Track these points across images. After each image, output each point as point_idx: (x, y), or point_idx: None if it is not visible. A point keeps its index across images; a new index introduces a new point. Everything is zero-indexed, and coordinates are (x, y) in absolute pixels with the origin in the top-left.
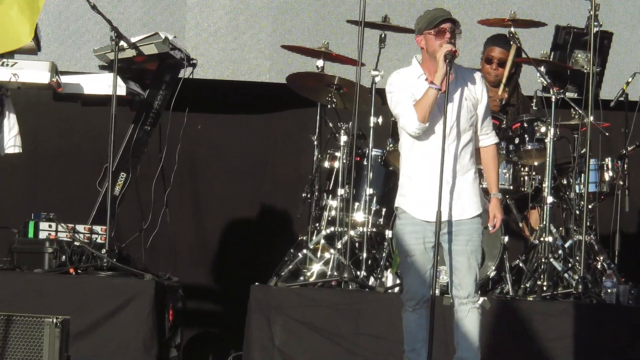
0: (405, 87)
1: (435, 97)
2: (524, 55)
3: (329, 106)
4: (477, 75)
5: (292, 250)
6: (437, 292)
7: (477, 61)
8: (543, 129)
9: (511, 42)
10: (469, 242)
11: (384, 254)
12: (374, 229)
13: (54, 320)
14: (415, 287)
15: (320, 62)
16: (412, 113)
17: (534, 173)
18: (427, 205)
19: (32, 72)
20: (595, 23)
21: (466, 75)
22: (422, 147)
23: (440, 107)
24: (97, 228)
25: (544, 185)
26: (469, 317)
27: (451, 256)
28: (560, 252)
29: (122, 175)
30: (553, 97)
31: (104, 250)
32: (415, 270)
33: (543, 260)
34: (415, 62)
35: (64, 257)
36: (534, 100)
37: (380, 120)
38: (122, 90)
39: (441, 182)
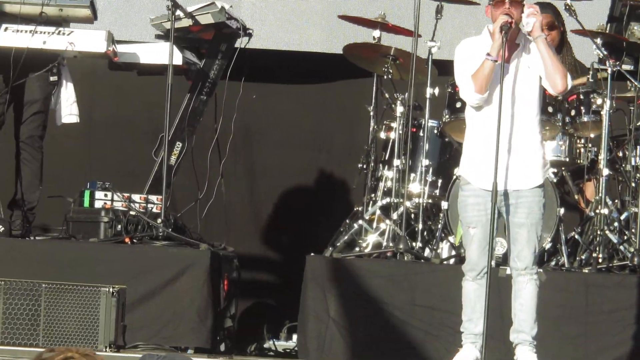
0: (471, 56)
1: (492, 68)
2: (579, 27)
3: (385, 77)
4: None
5: (347, 221)
6: (493, 263)
7: None
8: (599, 101)
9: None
10: (529, 215)
11: (439, 225)
12: (430, 200)
13: (110, 290)
14: (476, 258)
15: (376, 33)
16: (470, 84)
17: (589, 145)
18: (488, 174)
19: (89, 41)
20: None
21: (532, 45)
22: (484, 117)
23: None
24: (153, 198)
25: (599, 157)
26: (527, 289)
27: (511, 227)
28: (615, 224)
29: (178, 144)
30: (609, 69)
31: (159, 220)
32: (477, 242)
33: (599, 232)
34: (486, 31)
35: (119, 226)
36: (590, 72)
37: (436, 91)
38: (178, 59)
39: (497, 152)
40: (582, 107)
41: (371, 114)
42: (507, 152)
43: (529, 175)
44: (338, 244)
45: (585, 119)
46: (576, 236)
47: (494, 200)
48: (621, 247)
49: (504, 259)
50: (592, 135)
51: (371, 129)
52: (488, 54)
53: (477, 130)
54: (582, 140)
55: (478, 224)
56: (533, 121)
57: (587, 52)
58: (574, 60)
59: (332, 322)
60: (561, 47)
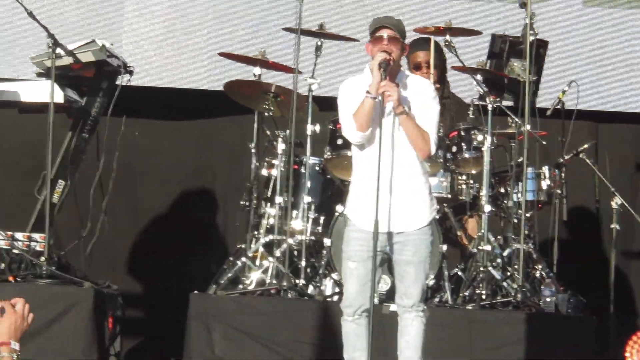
0: (353, 95)
1: (372, 105)
2: (459, 64)
3: (266, 114)
4: (425, 82)
5: (231, 259)
6: (376, 300)
7: None
8: (480, 137)
9: (431, 41)
10: (416, 253)
11: (322, 262)
12: (313, 237)
13: None
14: (354, 294)
15: (257, 70)
16: (351, 122)
17: (471, 182)
18: (370, 215)
19: None
20: (531, 31)
21: (415, 83)
22: (366, 156)
23: (383, 115)
24: (36, 236)
25: (481, 193)
26: (413, 325)
27: (397, 265)
28: (498, 260)
29: (61, 182)
30: (490, 105)
31: (42, 258)
32: (357, 277)
33: (481, 268)
34: (368, 69)
35: (2, 264)
36: (471, 109)
37: (317, 128)
38: (59, 97)
39: (378, 193)
40: (463, 144)
41: (253, 151)
42: (389, 193)
43: (414, 217)
44: (222, 282)
45: (466, 155)
46: (459, 273)
47: (375, 239)
48: (504, 284)
49: (388, 296)
50: (473, 172)
51: (253, 166)
52: (367, 92)
53: (360, 169)
54: (464, 177)
55: (359, 259)
56: (415, 161)
57: (468, 88)
58: (454, 98)
59: (218, 359)
60: (442, 84)
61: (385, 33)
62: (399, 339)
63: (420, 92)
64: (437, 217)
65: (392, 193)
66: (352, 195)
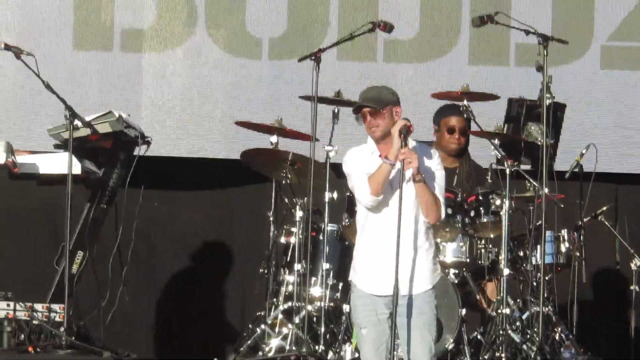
0: (360, 162)
1: (388, 171)
2: (477, 128)
3: (283, 182)
4: (433, 151)
5: (250, 326)
6: None
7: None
8: (498, 202)
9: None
10: (420, 315)
11: (342, 328)
12: (332, 303)
13: None
14: (370, 358)
15: (274, 138)
16: (365, 186)
17: (490, 245)
18: (375, 279)
19: None
20: (548, 95)
21: (423, 150)
22: (375, 221)
23: (393, 181)
24: (56, 306)
25: (500, 257)
26: None
27: (403, 329)
28: (518, 323)
29: (80, 253)
30: (507, 169)
31: (62, 329)
32: (370, 342)
33: (501, 332)
34: (370, 139)
35: (22, 335)
36: (489, 173)
37: (335, 195)
38: (77, 169)
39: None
40: (481, 208)
41: (271, 219)
42: (395, 258)
43: (417, 280)
44: (241, 349)
45: (484, 219)
46: (479, 336)
47: (395, 303)
48: (524, 347)
49: None
50: (492, 236)
51: (271, 234)
52: (386, 157)
53: (366, 234)
54: (483, 241)
55: (369, 324)
56: (421, 226)
57: (486, 152)
58: (472, 163)
59: None
60: (466, 150)
61: (366, 111)
62: None
63: (427, 158)
64: (456, 281)
65: (399, 256)
66: (358, 260)
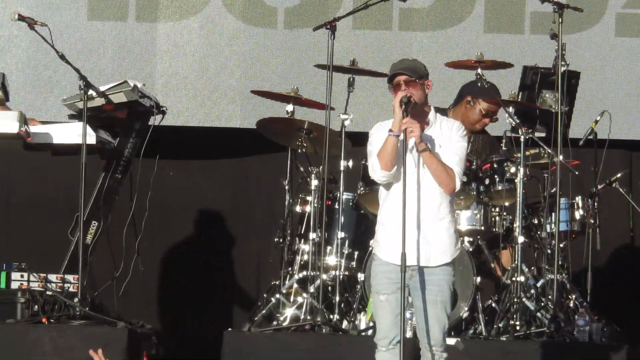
0: (380, 137)
1: (394, 143)
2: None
3: (299, 150)
4: (455, 124)
5: (265, 295)
6: (409, 334)
7: (446, 103)
8: (513, 169)
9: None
10: (439, 293)
11: (356, 297)
12: (347, 272)
13: None
14: (388, 324)
15: (290, 107)
16: (376, 162)
17: (504, 213)
18: (395, 249)
19: (1, 122)
20: (563, 63)
21: (444, 123)
22: (393, 193)
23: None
24: (70, 277)
25: (515, 225)
26: None
27: (418, 304)
28: (532, 291)
29: (94, 223)
30: (522, 137)
31: (76, 299)
32: (389, 308)
33: (515, 300)
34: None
35: (36, 306)
36: (504, 141)
37: (350, 163)
38: (91, 139)
39: (404, 226)
40: (496, 176)
41: (286, 187)
42: (416, 228)
43: (438, 252)
44: (256, 318)
45: (499, 187)
46: (493, 304)
47: (403, 270)
48: (538, 314)
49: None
50: (506, 204)
51: (287, 202)
52: (390, 130)
53: (386, 206)
54: (497, 209)
55: (388, 290)
56: (440, 197)
57: (500, 120)
58: (486, 134)
59: None
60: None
61: (401, 79)
62: None
63: (449, 129)
64: (471, 249)
65: (418, 229)
66: (380, 231)
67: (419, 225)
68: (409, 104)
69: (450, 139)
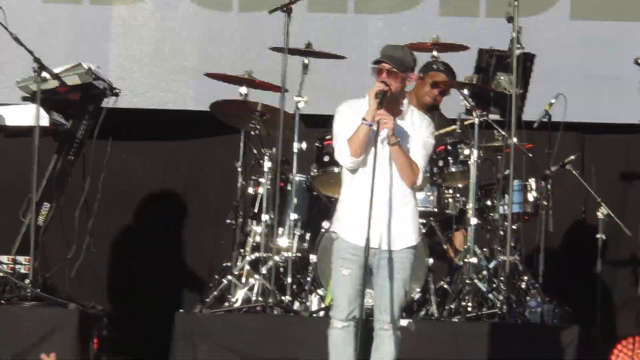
0: (349, 119)
1: (367, 132)
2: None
3: (252, 133)
4: (426, 120)
5: (216, 277)
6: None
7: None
8: (466, 151)
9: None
10: (401, 270)
11: (308, 279)
12: (299, 254)
13: None
14: (347, 299)
15: (243, 89)
16: (345, 147)
17: (458, 195)
18: (359, 230)
19: None
20: (518, 45)
21: (415, 115)
22: (359, 179)
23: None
24: (21, 258)
25: (468, 206)
26: (387, 344)
27: (380, 282)
28: (484, 272)
29: (46, 205)
30: (476, 119)
31: (27, 281)
32: (351, 282)
33: (467, 281)
34: (368, 96)
35: None
36: (457, 123)
37: (304, 145)
38: (45, 121)
39: (370, 211)
40: (449, 158)
41: (239, 169)
42: (379, 213)
43: (402, 236)
44: (207, 300)
45: (453, 169)
46: (445, 285)
47: (366, 253)
48: (490, 295)
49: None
50: (460, 185)
51: (239, 184)
52: (364, 119)
53: (351, 190)
54: (451, 191)
55: (352, 264)
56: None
57: (455, 102)
58: (441, 116)
59: None
60: (436, 108)
61: (385, 67)
62: (372, 355)
63: (419, 126)
64: (424, 230)
65: (383, 214)
66: (343, 212)
67: (382, 211)
68: (384, 98)
69: (420, 132)
